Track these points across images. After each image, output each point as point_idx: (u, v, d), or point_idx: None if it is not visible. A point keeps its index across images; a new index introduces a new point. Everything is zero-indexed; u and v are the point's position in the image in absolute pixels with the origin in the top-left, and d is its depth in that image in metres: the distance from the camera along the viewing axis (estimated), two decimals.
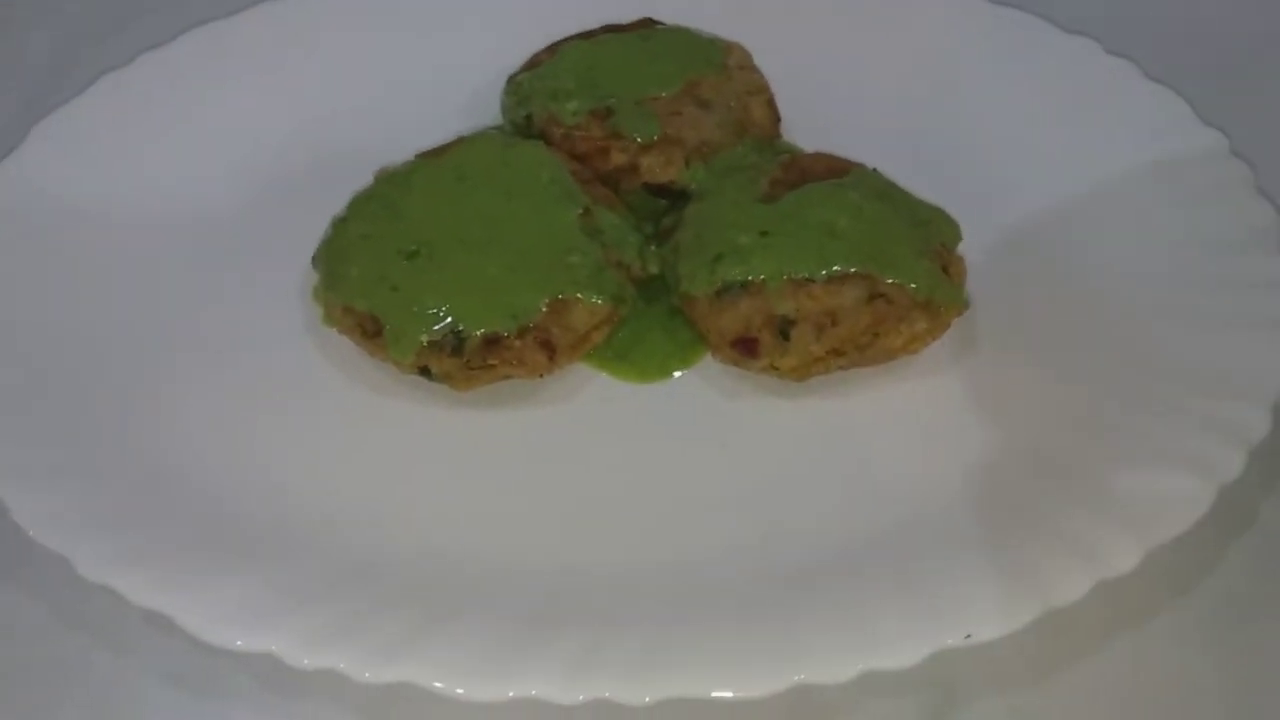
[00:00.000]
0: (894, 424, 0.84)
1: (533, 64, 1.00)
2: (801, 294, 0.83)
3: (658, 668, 0.69)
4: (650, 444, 0.84)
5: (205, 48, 1.03)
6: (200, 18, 1.05)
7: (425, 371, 0.83)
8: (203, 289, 0.91)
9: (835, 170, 0.90)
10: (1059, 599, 0.71)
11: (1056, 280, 0.90)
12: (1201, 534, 0.74)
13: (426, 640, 0.70)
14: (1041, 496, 0.77)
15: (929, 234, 0.87)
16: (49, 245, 0.91)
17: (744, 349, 0.84)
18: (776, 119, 0.98)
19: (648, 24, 1.03)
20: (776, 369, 0.84)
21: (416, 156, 0.93)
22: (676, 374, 0.87)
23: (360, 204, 0.90)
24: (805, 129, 1.01)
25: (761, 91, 0.98)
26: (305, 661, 0.68)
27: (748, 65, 1.00)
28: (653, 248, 0.91)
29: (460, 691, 0.68)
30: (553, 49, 1.00)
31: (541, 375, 0.85)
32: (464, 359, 0.82)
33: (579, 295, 0.84)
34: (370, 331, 0.84)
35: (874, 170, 0.91)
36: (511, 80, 1.00)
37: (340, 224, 0.89)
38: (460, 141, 0.94)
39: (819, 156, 0.93)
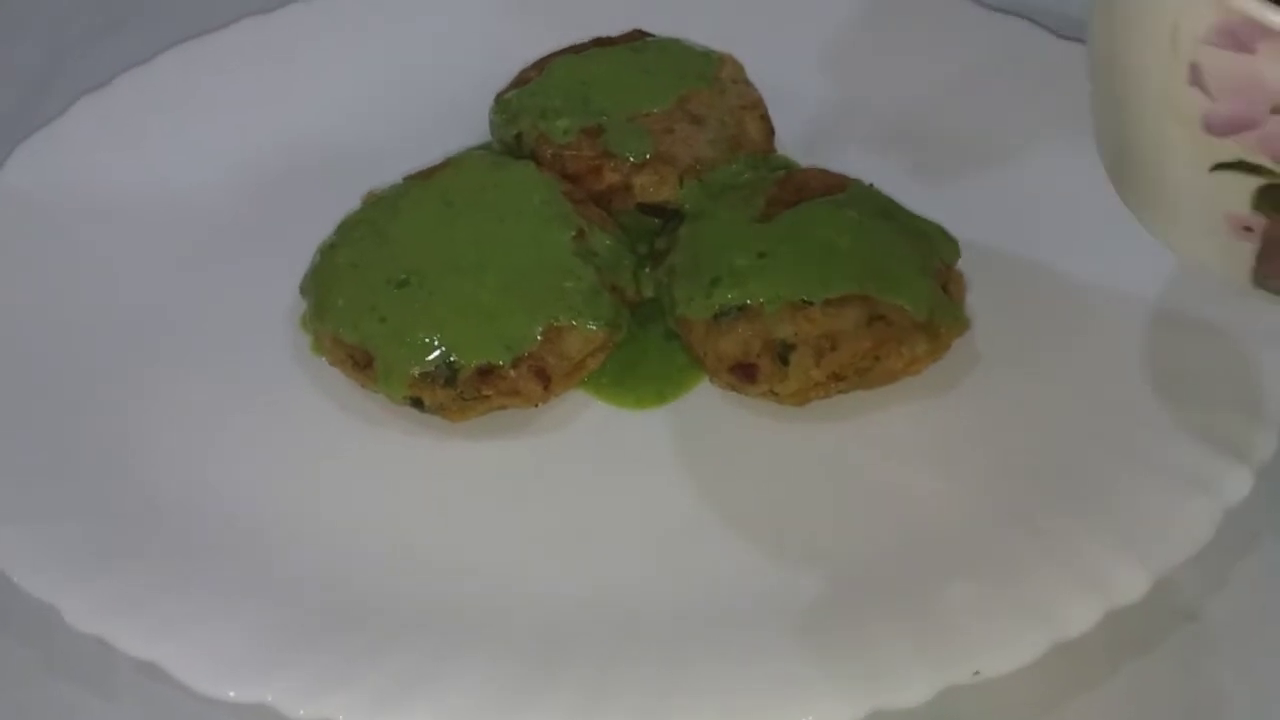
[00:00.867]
0: (895, 449, 0.82)
1: (521, 81, 0.98)
2: (800, 317, 0.82)
3: (660, 711, 0.68)
4: (648, 473, 0.82)
5: (187, 67, 1.01)
6: (181, 34, 1.03)
7: (417, 403, 0.82)
8: (187, 320, 0.89)
9: (832, 186, 0.89)
10: (1068, 631, 0.70)
11: (1058, 297, 0.89)
12: (1207, 556, 0.73)
13: (426, 686, 0.68)
14: (1048, 523, 0.76)
15: (929, 252, 0.85)
16: (26, 277, 0.89)
17: (742, 374, 0.82)
18: (770, 133, 0.96)
19: (638, 36, 1.01)
20: (776, 394, 0.83)
21: (405, 179, 0.91)
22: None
23: (347, 229, 0.88)
24: (799, 142, 1.00)
25: (755, 106, 0.96)
26: (301, 712, 0.67)
27: (740, 79, 0.98)
28: (647, 270, 0.89)
29: None
30: (541, 65, 0.99)
31: (537, 404, 0.83)
32: (457, 390, 0.81)
33: (574, 321, 0.83)
34: (361, 363, 0.83)
35: (871, 185, 0.90)
36: (500, 98, 0.98)
37: (327, 251, 0.87)
38: (449, 163, 0.92)
39: (815, 173, 0.92)
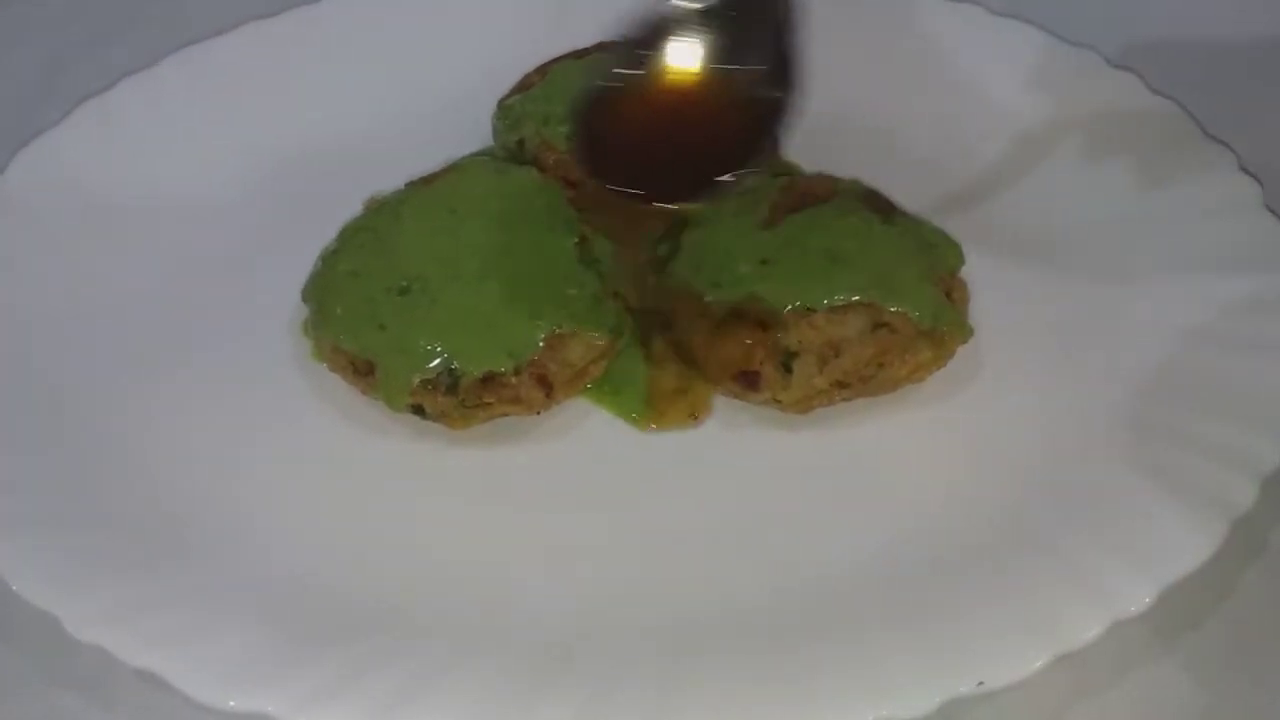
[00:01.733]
0: (898, 458, 0.82)
1: (524, 86, 0.98)
2: (804, 324, 0.81)
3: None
4: (650, 482, 0.82)
5: (188, 72, 1.01)
6: (183, 40, 1.03)
7: (419, 410, 0.81)
8: (188, 327, 0.89)
9: (836, 193, 0.88)
10: (1072, 642, 0.69)
11: (1062, 306, 0.88)
12: (1212, 565, 0.73)
13: (425, 696, 0.68)
14: (1052, 533, 0.75)
15: (933, 259, 0.85)
16: (27, 283, 0.89)
17: (745, 382, 0.82)
18: (776, 139, 0.96)
19: None
20: (779, 402, 0.82)
21: (406, 185, 0.91)
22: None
23: (349, 236, 0.88)
24: (802, 146, 0.99)
25: None
26: None
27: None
28: (649, 276, 0.89)
29: None
30: (543, 70, 0.98)
31: (539, 412, 0.83)
32: (459, 397, 0.81)
33: (577, 329, 0.82)
34: (362, 370, 0.82)
35: (874, 192, 0.89)
36: (502, 104, 0.98)
37: (329, 257, 0.87)
38: (451, 169, 0.92)
39: (819, 179, 0.91)
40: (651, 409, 0.84)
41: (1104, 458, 0.79)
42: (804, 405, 0.82)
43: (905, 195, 0.89)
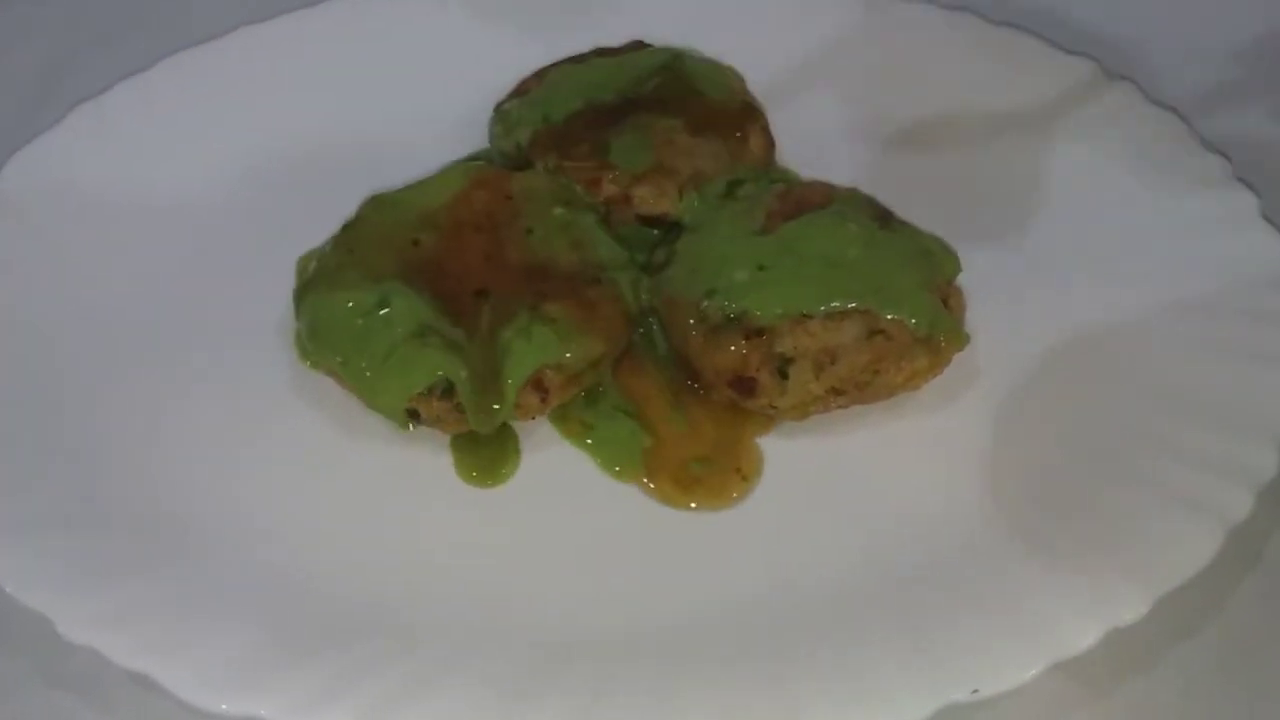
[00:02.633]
0: (893, 465, 0.82)
1: (521, 91, 0.98)
2: (800, 331, 0.81)
3: None
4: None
5: (182, 76, 1.01)
6: (177, 44, 1.03)
7: (415, 415, 0.81)
8: (182, 330, 0.89)
9: (832, 199, 0.88)
10: (1067, 650, 0.69)
11: (1057, 312, 0.88)
12: (1207, 574, 0.73)
13: (419, 701, 0.68)
14: (1047, 541, 0.75)
15: (929, 266, 0.85)
16: (21, 285, 0.89)
17: (741, 388, 0.82)
18: (771, 146, 0.96)
19: (638, 47, 1.01)
20: (775, 408, 0.82)
21: (405, 187, 0.90)
22: None
23: (343, 239, 0.87)
24: (798, 153, 1.00)
25: (757, 119, 0.96)
26: None
27: (742, 91, 0.98)
28: (646, 281, 0.88)
29: None
30: (540, 75, 0.98)
31: (534, 417, 0.83)
32: (454, 403, 0.80)
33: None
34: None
35: (871, 199, 0.89)
36: (499, 109, 0.98)
37: (322, 260, 0.87)
38: (446, 172, 0.91)
39: (815, 186, 0.91)
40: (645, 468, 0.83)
41: (1100, 466, 0.79)
42: (800, 412, 0.82)
43: (901, 203, 0.89)
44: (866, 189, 0.90)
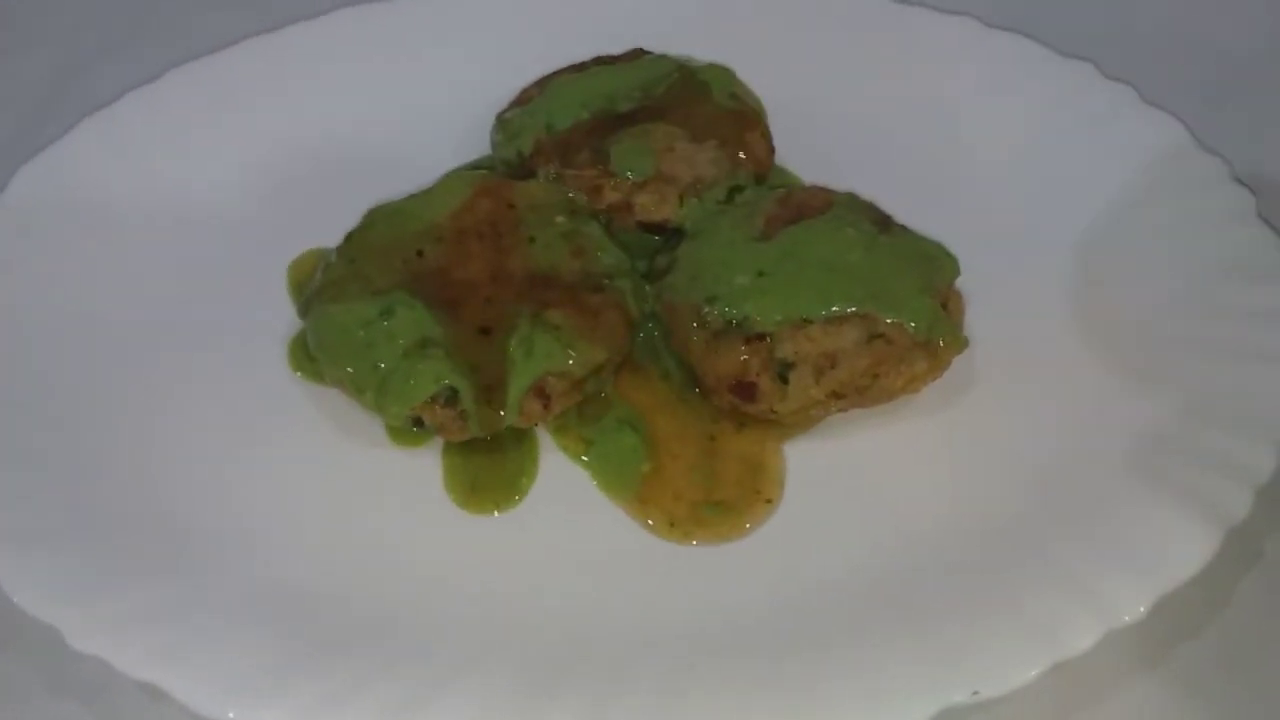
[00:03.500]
0: (893, 468, 0.82)
1: (523, 100, 0.98)
2: (800, 336, 0.82)
3: None
4: None
5: (191, 87, 1.02)
6: (185, 55, 1.04)
7: (419, 423, 0.82)
8: (188, 340, 0.90)
9: (832, 204, 0.89)
10: (1068, 650, 0.70)
11: (1056, 314, 0.89)
12: (1207, 573, 0.73)
13: (425, 709, 0.69)
14: (1047, 542, 0.76)
15: (928, 270, 0.85)
16: (29, 294, 0.89)
17: (742, 393, 0.83)
18: (771, 151, 0.97)
19: (638, 54, 1.01)
20: (775, 413, 0.83)
21: (408, 197, 0.91)
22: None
23: (346, 249, 0.88)
24: (798, 158, 1.00)
25: (756, 124, 0.96)
26: None
27: (741, 96, 0.98)
28: (647, 288, 0.89)
29: None
30: (542, 84, 0.99)
31: (537, 424, 0.83)
32: (458, 410, 0.81)
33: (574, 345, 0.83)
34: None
35: (870, 204, 0.90)
36: (501, 117, 0.98)
37: (326, 271, 0.87)
38: (448, 182, 0.92)
39: (815, 191, 0.92)
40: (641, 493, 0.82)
41: (1099, 467, 0.79)
42: (800, 416, 0.83)
43: (901, 207, 0.90)
44: (866, 193, 0.91)
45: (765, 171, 0.96)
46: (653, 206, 0.91)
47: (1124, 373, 0.84)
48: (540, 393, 0.82)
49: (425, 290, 0.84)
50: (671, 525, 0.80)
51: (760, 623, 0.74)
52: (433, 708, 0.69)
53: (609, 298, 0.85)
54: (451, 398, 0.81)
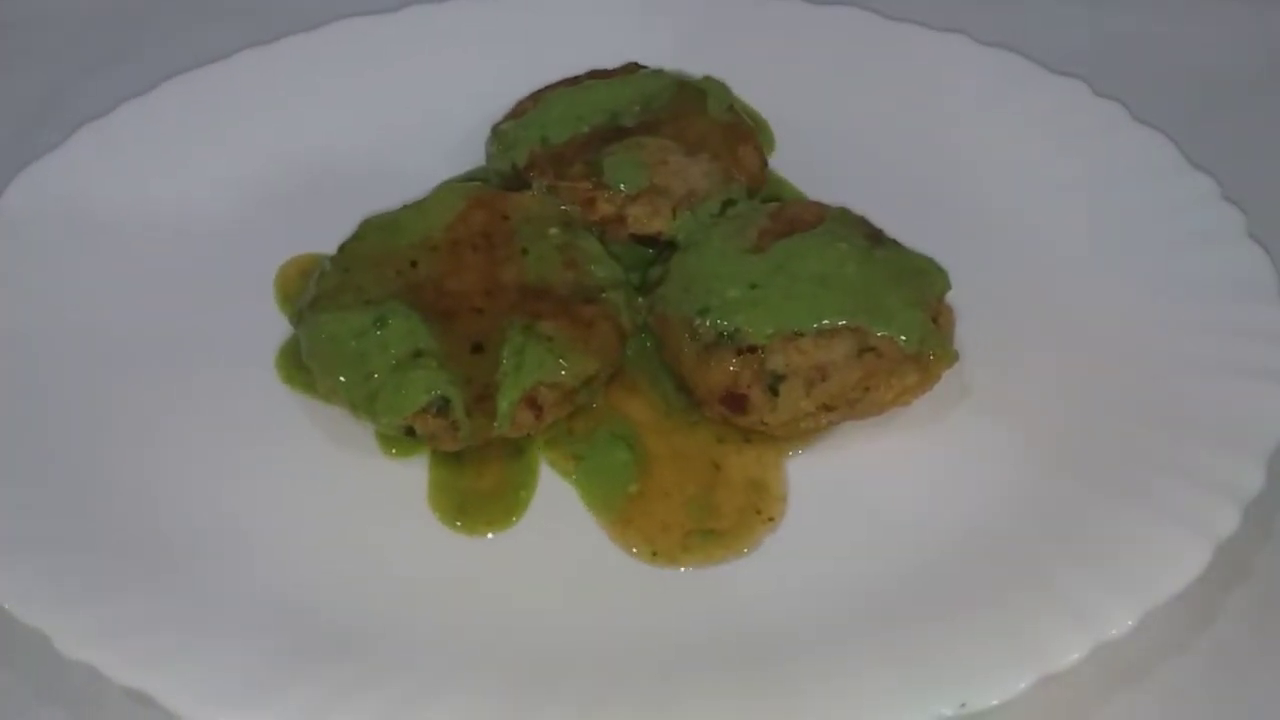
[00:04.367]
0: (882, 481, 0.83)
1: (518, 112, 0.99)
2: (791, 348, 0.82)
3: None
4: None
5: (186, 97, 1.02)
6: (181, 66, 1.04)
7: (410, 432, 0.82)
8: (181, 349, 0.90)
9: (823, 218, 0.89)
10: (1056, 664, 0.70)
11: (1045, 329, 0.89)
12: (1195, 587, 0.73)
13: (413, 716, 0.69)
14: (1036, 556, 0.76)
15: (919, 284, 0.86)
16: (24, 304, 0.89)
17: (733, 405, 0.83)
18: (764, 164, 0.97)
19: (633, 69, 1.02)
20: (766, 424, 0.83)
21: (402, 208, 0.91)
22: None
23: (340, 260, 0.88)
24: (789, 173, 1.01)
25: (748, 138, 0.97)
26: None
27: (733, 109, 0.99)
28: (640, 300, 0.89)
29: None
30: (537, 96, 1.00)
31: (530, 434, 0.84)
32: (450, 420, 0.81)
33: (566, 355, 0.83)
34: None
35: (862, 218, 0.90)
36: (496, 129, 0.99)
37: (319, 281, 0.88)
38: (442, 193, 0.92)
39: (807, 204, 0.92)
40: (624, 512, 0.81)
41: (1088, 482, 0.80)
42: (790, 428, 0.83)
43: (892, 222, 0.90)
44: (858, 207, 0.91)
45: (758, 185, 0.96)
46: (645, 219, 0.92)
47: (1113, 388, 0.85)
48: (532, 403, 0.82)
49: (419, 301, 0.84)
50: (655, 554, 0.79)
51: (747, 634, 0.74)
52: (422, 716, 0.69)
53: (601, 309, 0.85)
54: (443, 407, 0.81)
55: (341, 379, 0.82)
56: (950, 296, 0.87)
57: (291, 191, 1.00)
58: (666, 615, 0.76)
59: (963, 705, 0.68)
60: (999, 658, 0.70)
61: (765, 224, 0.89)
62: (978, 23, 1.06)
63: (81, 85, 1.12)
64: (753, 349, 0.82)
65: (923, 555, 0.78)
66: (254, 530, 0.80)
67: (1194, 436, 0.80)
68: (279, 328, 0.91)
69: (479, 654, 0.73)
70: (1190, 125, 0.98)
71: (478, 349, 0.83)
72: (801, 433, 0.84)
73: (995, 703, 0.69)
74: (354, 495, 0.82)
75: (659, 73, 1.01)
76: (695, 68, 1.02)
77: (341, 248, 0.89)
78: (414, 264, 0.87)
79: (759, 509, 0.81)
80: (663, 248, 0.92)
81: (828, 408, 0.82)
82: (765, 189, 0.98)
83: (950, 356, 0.84)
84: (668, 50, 1.03)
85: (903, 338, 0.82)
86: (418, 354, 0.82)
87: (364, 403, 0.82)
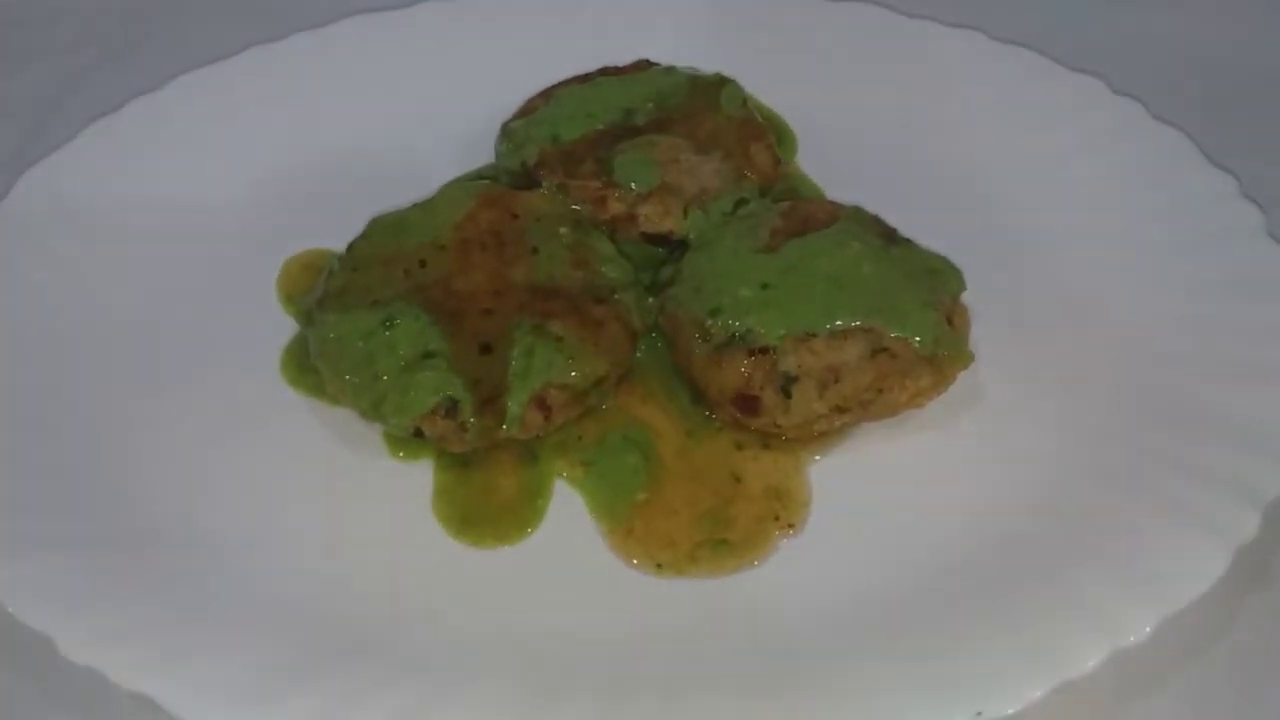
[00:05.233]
0: (896, 484, 0.81)
1: (528, 110, 0.98)
2: (803, 349, 0.81)
3: None
4: None
5: (195, 95, 1.02)
6: (189, 63, 1.04)
7: (419, 433, 0.81)
8: (191, 350, 0.89)
9: (837, 217, 0.88)
10: (1072, 671, 0.69)
11: (1062, 329, 0.88)
12: (1214, 591, 0.72)
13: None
14: (1051, 560, 0.75)
15: (933, 284, 0.85)
16: (31, 301, 0.89)
17: (745, 407, 0.82)
18: (777, 163, 0.96)
19: (644, 66, 1.01)
20: (778, 426, 0.82)
21: (411, 206, 0.90)
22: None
23: (349, 259, 0.88)
24: (804, 170, 1.00)
25: (761, 136, 0.96)
26: None
27: (746, 107, 0.98)
28: (650, 299, 0.89)
29: None
30: (547, 94, 0.99)
31: (539, 436, 0.83)
32: (459, 421, 0.80)
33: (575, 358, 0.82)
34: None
35: (875, 217, 0.89)
36: (506, 127, 0.98)
37: (328, 281, 0.87)
38: (451, 192, 0.91)
39: (820, 204, 0.91)
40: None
41: (1105, 485, 0.79)
42: (803, 430, 0.82)
43: (906, 221, 0.89)
44: (871, 206, 0.90)
45: (771, 183, 0.95)
46: (657, 218, 0.91)
47: (1130, 389, 0.83)
48: (541, 404, 0.81)
49: (427, 301, 0.84)
50: (659, 566, 0.78)
51: (758, 642, 0.73)
52: (433, 716, 0.68)
53: (612, 309, 0.85)
54: (452, 409, 0.80)
55: (349, 380, 0.82)
56: (965, 296, 0.86)
57: (300, 190, 0.99)
58: (678, 620, 0.75)
59: (979, 714, 0.67)
60: (1014, 665, 0.69)
61: (778, 223, 0.88)
62: (994, 19, 1.05)
63: (90, 82, 1.12)
64: (765, 350, 0.81)
65: (936, 562, 0.77)
66: (261, 534, 0.79)
67: (1213, 438, 0.79)
68: (287, 327, 0.90)
69: (486, 662, 0.73)
70: (1209, 123, 0.96)
71: (486, 349, 0.82)
72: (815, 435, 0.83)
73: (1011, 711, 0.68)
74: (361, 498, 0.82)
75: (671, 70, 1.00)
76: (707, 64, 1.01)
77: (349, 247, 0.89)
78: (423, 264, 0.86)
79: (778, 515, 0.80)
80: (674, 247, 0.91)
81: (841, 410, 0.81)
82: (779, 186, 0.97)
83: (965, 358, 0.83)
84: (680, 47, 1.02)
85: (917, 339, 0.81)
86: (426, 355, 0.81)
87: (372, 404, 0.81)
